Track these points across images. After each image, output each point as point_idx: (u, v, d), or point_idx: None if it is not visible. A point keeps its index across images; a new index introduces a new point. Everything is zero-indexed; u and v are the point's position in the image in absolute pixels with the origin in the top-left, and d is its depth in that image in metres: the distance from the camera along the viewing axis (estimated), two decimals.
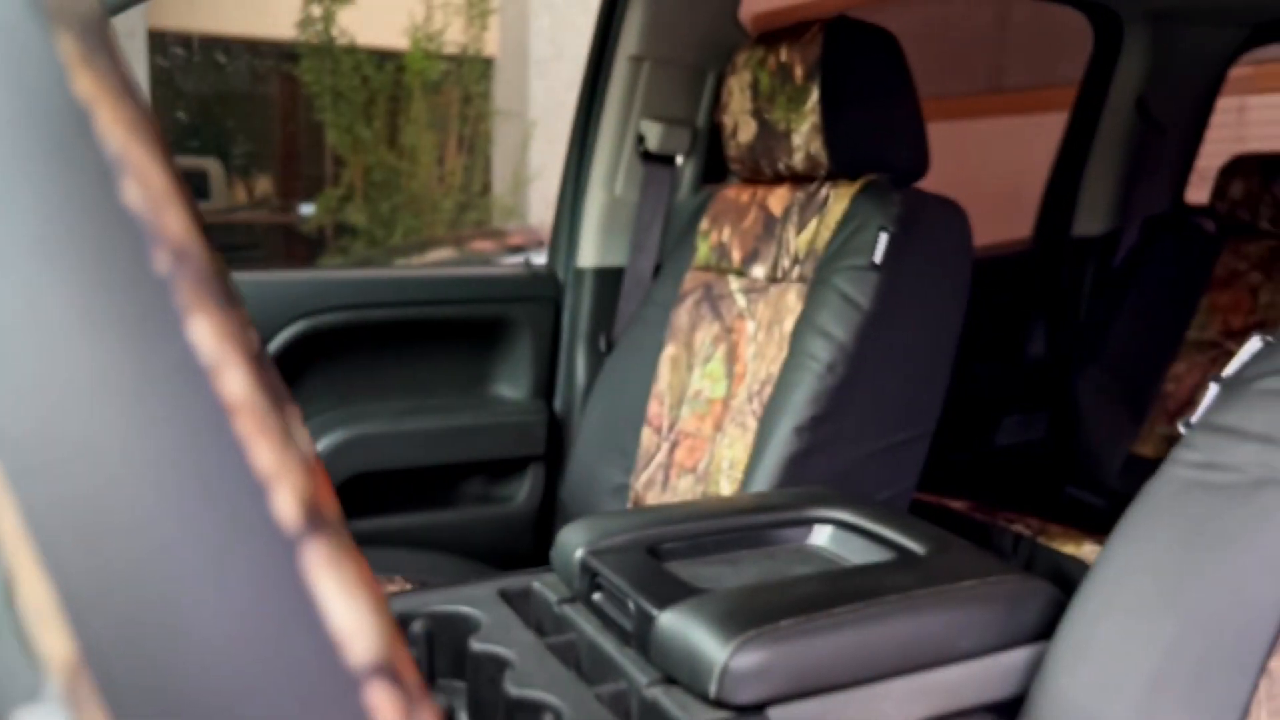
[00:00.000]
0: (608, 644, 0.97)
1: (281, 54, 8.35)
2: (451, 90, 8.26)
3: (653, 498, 1.61)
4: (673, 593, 0.93)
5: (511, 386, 1.89)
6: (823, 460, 1.33)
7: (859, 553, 1.08)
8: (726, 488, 1.45)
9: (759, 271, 1.56)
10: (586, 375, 1.86)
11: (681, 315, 1.67)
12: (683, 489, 1.55)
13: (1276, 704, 0.78)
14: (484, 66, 8.48)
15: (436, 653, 1.05)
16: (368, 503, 1.79)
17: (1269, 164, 1.98)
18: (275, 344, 1.71)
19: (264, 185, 9.72)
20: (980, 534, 1.73)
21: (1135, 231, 2.19)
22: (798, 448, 1.32)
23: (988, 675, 0.92)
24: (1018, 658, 0.93)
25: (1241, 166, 2.02)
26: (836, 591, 0.91)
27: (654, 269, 1.85)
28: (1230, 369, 0.95)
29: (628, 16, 1.74)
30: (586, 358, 1.87)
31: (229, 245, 9.52)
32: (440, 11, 7.83)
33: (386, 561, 1.63)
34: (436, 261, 6.10)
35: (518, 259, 4.40)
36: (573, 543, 1.07)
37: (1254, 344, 0.95)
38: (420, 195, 8.03)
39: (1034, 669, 0.92)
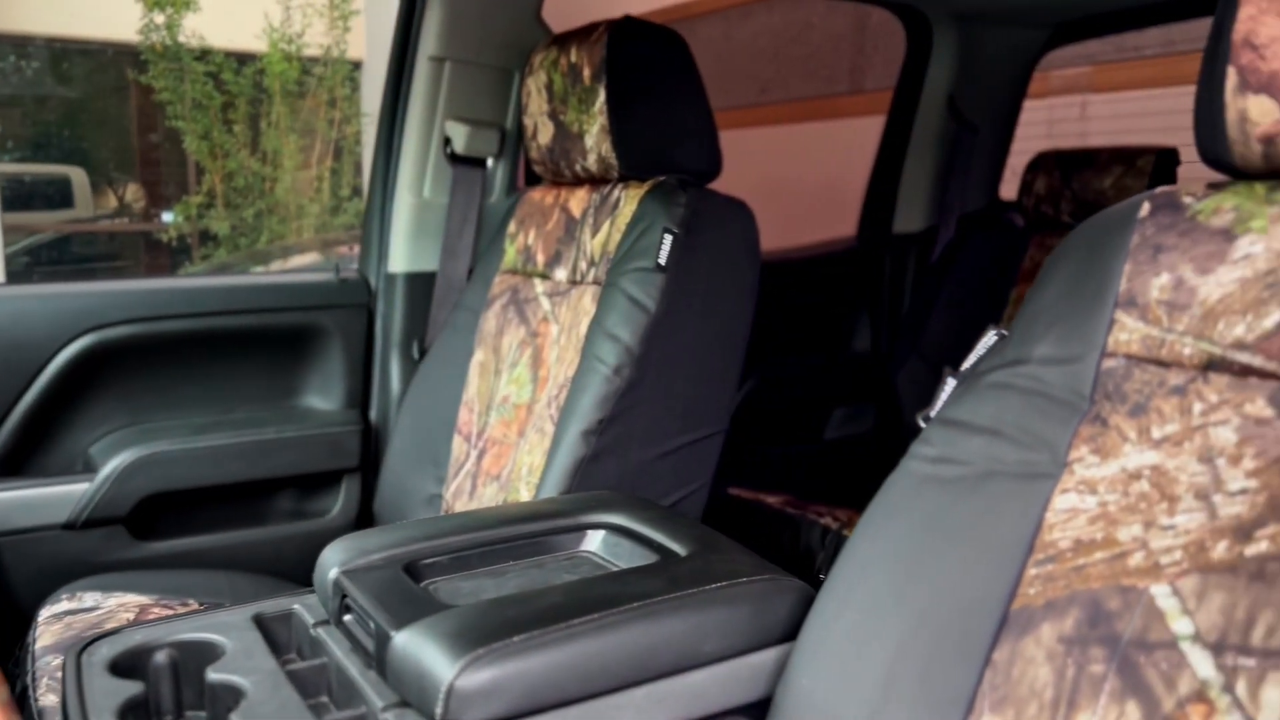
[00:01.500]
0: (352, 668, 0.93)
1: (132, 58, 8.00)
2: (317, 93, 8.05)
3: (460, 507, 1.57)
4: (414, 611, 0.89)
5: (323, 397, 1.83)
6: (613, 463, 1.31)
7: (627, 557, 1.07)
8: (525, 494, 1.43)
9: (561, 274, 1.54)
10: (401, 383, 1.82)
11: (489, 320, 1.63)
12: (487, 497, 1.52)
13: (999, 694, 0.79)
14: (349, 69, 8.28)
15: (183, 683, 1.00)
16: (169, 524, 1.71)
17: (1068, 160, 2.05)
18: (60, 360, 1.62)
19: (131, 193, 9.31)
20: (791, 528, 1.75)
21: (952, 227, 2.25)
22: (586, 452, 1.30)
23: (735, 678, 0.91)
24: (767, 659, 0.93)
25: (1044, 163, 2.09)
26: (579, 602, 0.89)
27: (468, 273, 1.81)
28: (967, 363, 0.97)
29: (427, 17, 1.70)
30: (400, 365, 1.82)
31: (89, 256, 9.10)
32: (299, 13, 7.60)
33: (185, 585, 1.55)
34: (302, 266, 5.93)
35: None
36: (329, 562, 1.02)
37: (989, 338, 0.97)
38: (285, 200, 7.80)
39: (782, 669, 0.92)
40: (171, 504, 1.69)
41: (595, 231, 1.47)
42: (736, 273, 1.38)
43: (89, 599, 1.43)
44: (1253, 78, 0.78)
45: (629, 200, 1.43)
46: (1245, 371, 0.76)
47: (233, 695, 0.91)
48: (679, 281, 1.33)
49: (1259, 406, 0.74)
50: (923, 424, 0.95)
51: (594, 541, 1.11)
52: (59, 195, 8.58)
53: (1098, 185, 1.99)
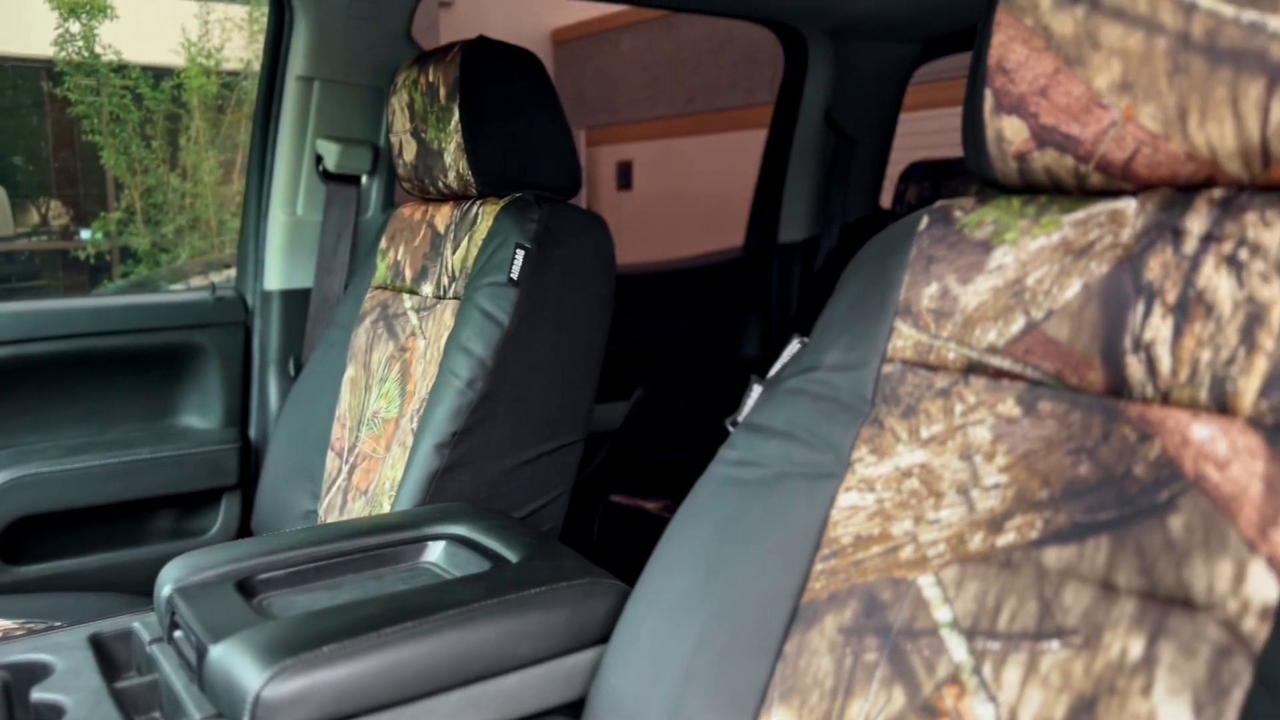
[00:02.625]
0: (178, 682, 0.94)
1: (46, 72, 7.84)
2: (237, 108, 7.96)
3: (332, 521, 1.59)
4: (234, 625, 0.91)
5: (201, 416, 1.83)
6: (468, 475, 1.34)
7: (463, 566, 1.10)
8: (388, 508, 1.45)
9: (428, 289, 1.57)
10: (278, 400, 1.82)
11: (360, 336, 1.65)
12: (356, 511, 1.53)
13: (787, 685, 0.84)
14: None
15: (15, 704, 1.00)
16: (47, 545, 1.69)
17: (938, 168, 2.13)
18: None
19: (51, 210, 9.11)
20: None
21: (835, 236, 2.32)
22: (439, 464, 1.32)
23: (551, 680, 0.95)
24: (584, 660, 0.96)
25: (915, 172, 2.17)
26: (395, 610, 0.92)
27: (343, 289, 1.83)
28: (772, 370, 1.01)
29: (295, 37, 1.72)
30: (277, 383, 1.83)
31: (7, 275, 8.87)
32: (218, 27, 7.52)
33: (55, 608, 1.54)
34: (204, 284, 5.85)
35: None
36: (164, 580, 1.04)
37: (793, 346, 1.01)
38: (205, 216, 7.70)
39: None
40: (45, 526, 1.68)
41: (456, 247, 1.50)
42: (590, 286, 1.42)
43: None
44: (1005, 100, 0.83)
45: (486, 216, 1.46)
46: (998, 374, 0.81)
47: (54, 714, 0.92)
48: (532, 295, 1.36)
49: (1009, 406, 0.80)
50: (730, 429, 1.00)
51: (434, 553, 1.14)
52: None
53: (964, 193, 2.06)
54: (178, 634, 0.99)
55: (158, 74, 7.62)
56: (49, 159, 8.96)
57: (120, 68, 7.31)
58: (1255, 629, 0.62)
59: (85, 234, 8.41)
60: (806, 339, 1.00)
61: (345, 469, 1.59)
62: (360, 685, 0.85)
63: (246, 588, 1.03)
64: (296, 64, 1.72)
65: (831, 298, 0.99)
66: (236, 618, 0.94)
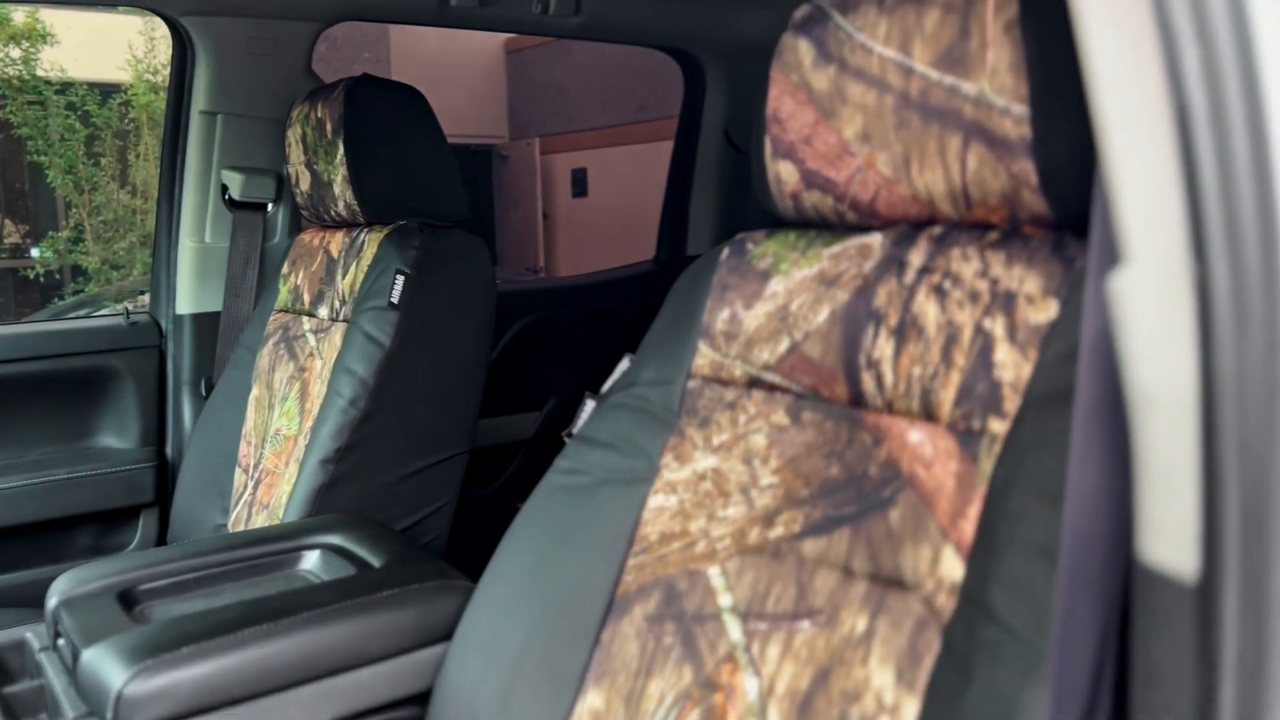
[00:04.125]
0: (58, 685, 1.03)
1: None
2: None
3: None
4: (106, 631, 1.01)
5: (118, 436, 1.91)
6: (353, 488, 1.43)
7: (334, 572, 1.20)
8: (288, 520, 1.53)
9: (324, 312, 1.66)
10: (192, 420, 1.91)
11: (264, 357, 1.74)
12: (259, 524, 1.62)
13: (601, 669, 0.94)
14: None
15: None
16: None
17: None
18: None
19: (3, 229, 9.05)
20: None
21: None
22: (324, 479, 1.42)
23: (401, 673, 1.05)
24: (432, 655, 1.06)
25: None
26: (253, 613, 1.02)
27: (251, 312, 1.91)
28: (605, 386, 1.12)
29: (197, 73, 1.80)
30: (191, 402, 1.91)
31: None
32: (164, 43, 7.55)
33: None
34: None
35: None
36: (52, 592, 1.13)
37: (623, 364, 1.12)
38: None
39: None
40: None
41: (345, 272, 1.60)
42: (470, 307, 1.52)
43: None
44: (780, 146, 0.94)
45: (371, 244, 1.56)
46: (772, 388, 0.92)
47: None
48: (412, 318, 1.46)
49: (780, 416, 0.91)
50: (566, 440, 1.10)
51: (310, 561, 1.24)
52: None
53: None
54: (60, 641, 1.08)
55: (105, 90, 7.64)
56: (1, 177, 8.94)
57: (65, 86, 7.33)
58: (945, 604, 0.73)
59: (35, 252, 8.40)
60: (633, 356, 1.11)
61: (251, 484, 1.68)
62: (217, 682, 0.95)
63: (128, 598, 1.12)
64: (200, 99, 1.81)
65: (655, 320, 1.10)
66: (112, 625, 1.03)
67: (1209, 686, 0.45)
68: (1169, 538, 0.48)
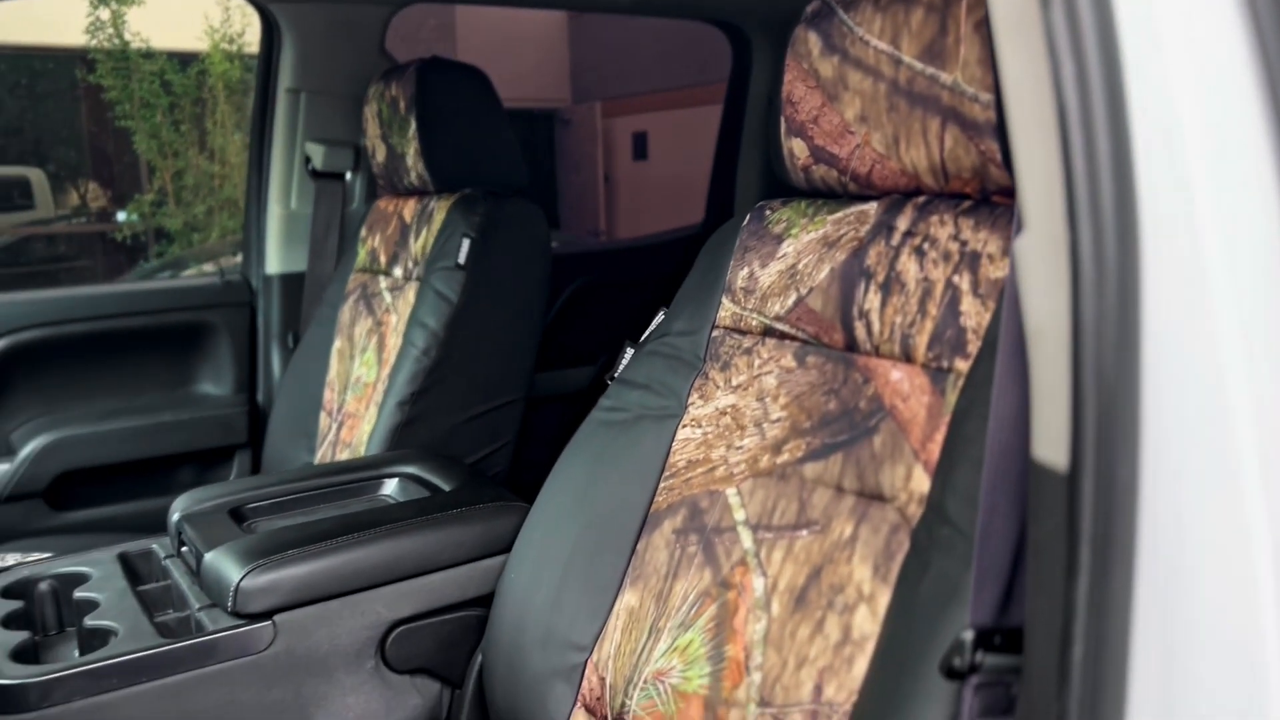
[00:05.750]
0: (184, 583, 1.23)
1: (81, 60, 8.17)
2: None
3: None
4: (223, 539, 1.20)
5: (215, 384, 2.12)
6: (425, 427, 1.62)
7: (409, 495, 1.38)
8: None
9: (398, 272, 1.84)
10: (280, 369, 2.11)
11: (345, 313, 1.93)
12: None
13: (636, 574, 1.10)
14: None
15: (63, 604, 1.29)
16: (86, 495, 2.00)
17: None
18: None
19: (89, 192, 9.49)
20: None
21: None
22: (400, 419, 1.60)
23: (467, 579, 1.22)
24: (493, 564, 1.24)
25: None
26: (342, 525, 1.20)
27: (333, 272, 2.10)
28: (644, 336, 1.27)
29: (283, 55, 1.98)
30: (279, 354, 2.11)
31: (51, 257, 9.29)
32: (239, 13, 7.81)
33: (92, 545, 1.84)
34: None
35: None
36: (174, 509, 1.33)
37: (659, 316, 1.27)
38: (234, 196, 8.04)
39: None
40: (85, 480, 1.98)
41: (417, 236, 1.77)
42: (528, 268, 1.68)
43: (10, 558, 1.72)
44: (792, 125, 1.08)
45: (440, 210, 1.73)
46: (782, 336, 1.07)
47: (91, 607, 1.21)
48: (476, 277, 1.63)
49: (789, 360, 1.05)
50: (609, 383, 1.26)
51: (389, 487, 1.42)
52: (20, 196, 8.72)
53: None
54: (184, 549, 1.28)
55: (184, 59, 7.93)
56: (86, 145, 9.35)
57: (149, 54, 7.63)
58: (914, 512, 0.88)
59: (121, 216, 8.79)
60: (669, 309, 1.26)
61: (334, 426, 1.88)
62: (314, 579, 1.14)
63: (238, 514, 1.32)
64: (285, 77, 1.99)
65: (687, 277, 1.25)
66: (227, 534, 1.22)
67: (1073, 553, 0.60)
68: (1051, 441, 0.62)
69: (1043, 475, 0.63)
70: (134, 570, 1.32)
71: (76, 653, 1.19)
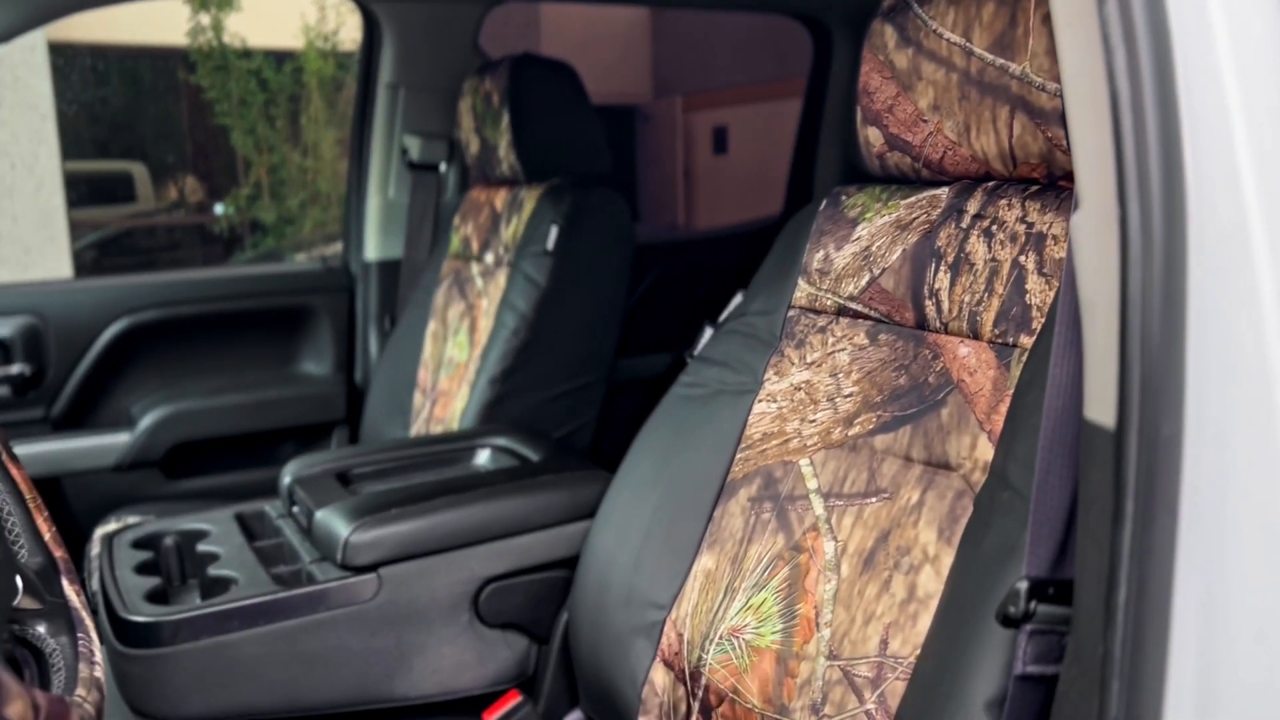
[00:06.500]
0: (295, 539, 1.34)
1: (182, 60, 8.53)
2: (353, 88, 8.54)
3: None
4: (332, 499, 1.30)
5: (316, 364, 2.25)
6: (514, 404, 1.71)
7: (501, 464, 1.47)
8: None
9: (490, 258, 1.93)
10: (377, 350, 2.23)
11: (439, 296, 2.03)
12: None
13: (712, 538, 1.17)
14: None
15: (185, 558, 1.41)
16: (197, 465, 2.14)
17: None
18: (104, 337, 2.06)
19: (188, 186, 9.88)
20: None
21: None
22: (491, 396, 1.69)
23: (555, 541, 1.31)
24: (579, 528, 1.32)
25: None
26: (443, 488, 1.29)
27: (428, 258, 2.21)
28: (722, 317, 1.34)
29: (383, 52, 2.09)
30: (376, 335, 2.23)
31: (152, 248, 9.72)
32: (333, 12, 8.07)
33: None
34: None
35: None
36: (285, 473, 1.44)
37: (737, 298, 1.34)
38: (326, 191, 8.32)
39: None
40: (197, 451, 2.12)
41: (508, 224, 1.86)
42: (611, 254, 1.76)
43: (131, 521, 1.87)
44: (868, 114, 1.14)
45: (530, 199, 1.82)
46: (856, 315, 1.13)
47: (212, 559, 1.32)
48: (563, 262, 1.71)
49: (861, 338, 1.11)
50: (688, 360, 1.33)
51: (482, 456, 1.51)
52: (123, 190, 9.11)
53: None
54: (295, 509, 1.38)
55: (279, 58, 8.23)
56: (185, 140, 9.74)
57: (246, 53, 7.94)
58: (978, 479, 0.93)
59: (219, 209, 9.15)
60: (746, 291, 1.33)
61: (428, 403, 1.98)
62: (416, 536, 1.23)
63: (344, 478, 1.42)
64: (385, 73, 2.10)
65: (765, 260, 1.31)
66: (335, 495, 1.33)
67: (1119, 503, 0.65)
68: (1100, 402, 0.67)
69: (1093, 433, 0.68)
70: (249, 528, 1.44)
71: (199, 600, 1.31)
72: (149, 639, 1.14)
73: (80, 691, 0.76)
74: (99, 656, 0.85)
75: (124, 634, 1.14)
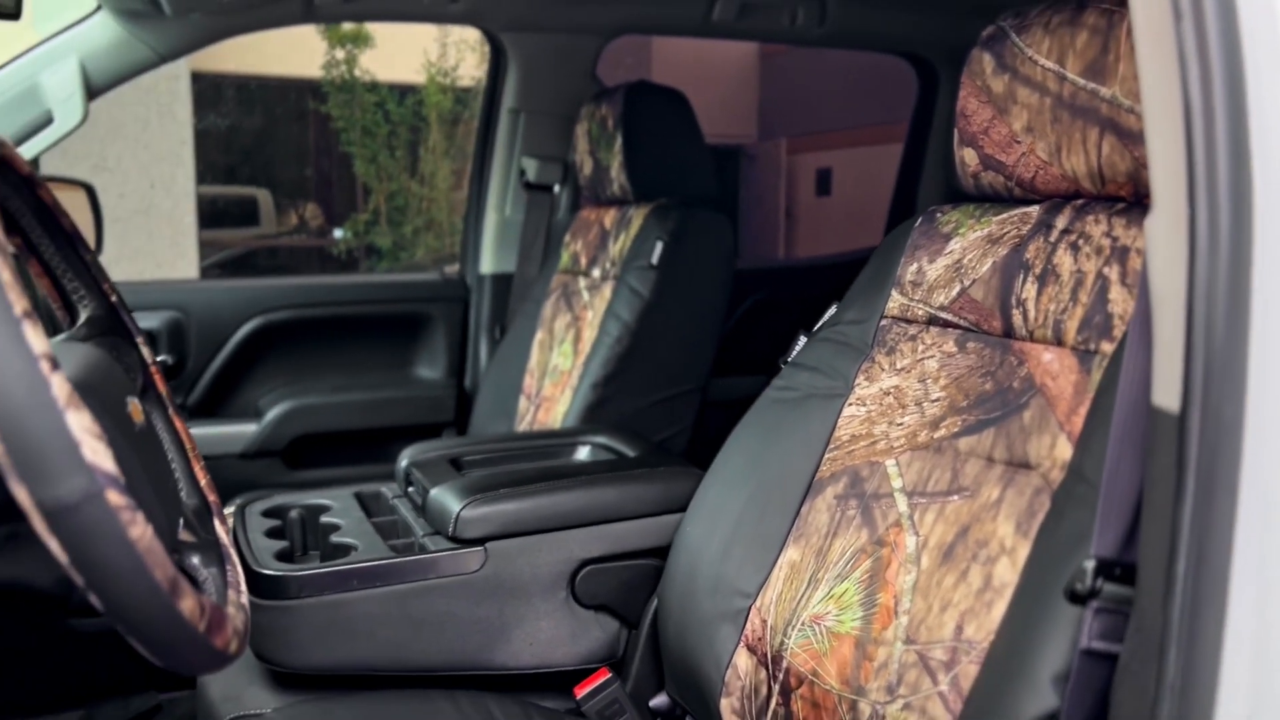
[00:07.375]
0: (409, 516, 1.45)
1: (312, 91, 9.00)
2: (469, 122, 8.89)
3: None
4: (445, 479, 1.41)
5: (429, 368, 2.38)
6: (614, 408, 1.80)
7: (600, 459, 1.56)
8: None
9: (596, 273, 2.04)
10: (487, 357, 2.35)
11: (548, 308, 2.14)
12: None
13: (799, 532, 1.23)
14: None
15: (309, 530, 1.53)
16: (316, 457, 2.29)
17: None
18: (239, 335, 2.23)
19: (308, 211, 10.38)
20: None
21: None
22: (593, 399, 1.79)
23: (648, 530, 1.38)
24: (671, 519, 1.39)
25: None
26: (547, 473, 1.39)
27: (538, 273, 2.33)
28: (816, 328, 1.40)
29: (507, 78, 2.23)
30: (487, 344, 2.35)
31: (273, 268, 10.22)
32: (454, 49, 8.43)
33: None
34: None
35: None
36: (402, 457, 1.55)
37: (832, 309, 1.40)
38: (439, 219, 8.65)
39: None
40: (317, 443, 2.27)
41: (616, 240, 1.96)
42: (712, 270, 1.85)
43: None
44: (965, 136, 1.20)
45: (638, 217, 1.92)
46: (946, 324, 1.18)
47: (335, 529, 1.43)
48: (667, 276, 1.81)
49: (950, 345, 1.17)
50: (782, 366, 1.40)
51: (583, 452, 1.60)
52: (248, 214, 9.62)
53: None
54: (410, 489, 1.49)
55: (402, 91, 8.62)
56: (309, 167, 10.24)
57: (372, 86, 8.35)
58: (1056, 477, 0.98)
59: (338, 233, 9.58)
60: (840, 304, 1.39)
61: (533, 408, 2.09)
62: (521, 516, 1.32)
63: (456, 463, 1.53)
64: (508, 99, 2.24)
65: (860, 273, 1.38)
66: (448, 476, 1.43)
67: (1181, 482, 0.70)
68: (1167, 388, 0.72)
69: (1159, 418, 0.73)
70: (366, 506, 1.55)
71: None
72: (277, 591, 1.25)
73: (230, 609, 0.87)
74: (244, 586, 0.96)
75: (254, 586, 1.26)
